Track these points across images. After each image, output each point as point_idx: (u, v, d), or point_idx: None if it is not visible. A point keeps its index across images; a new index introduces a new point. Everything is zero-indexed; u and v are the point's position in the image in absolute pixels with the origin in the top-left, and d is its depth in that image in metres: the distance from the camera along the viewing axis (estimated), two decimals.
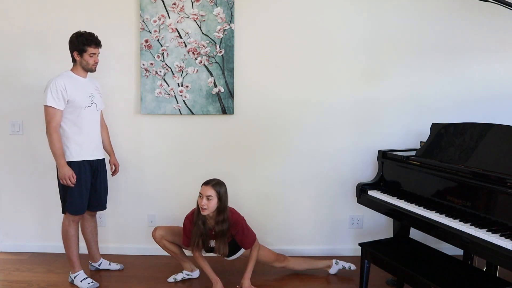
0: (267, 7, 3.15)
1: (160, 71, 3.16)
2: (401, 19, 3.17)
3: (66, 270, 3.03)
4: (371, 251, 2.46)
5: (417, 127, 3.21)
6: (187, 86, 3.18)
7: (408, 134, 3.24)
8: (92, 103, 2.73)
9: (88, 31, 2.67)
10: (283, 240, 3.36)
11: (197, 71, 3.17)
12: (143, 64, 3.15)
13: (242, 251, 2.77)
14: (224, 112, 3.19)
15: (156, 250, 3.24)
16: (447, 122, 2.72)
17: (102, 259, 3.08)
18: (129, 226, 3.35)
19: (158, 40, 3.13)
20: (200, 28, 3.13)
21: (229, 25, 3.12)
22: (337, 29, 3.17)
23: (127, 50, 3.17)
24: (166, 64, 3.15)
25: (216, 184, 2.57)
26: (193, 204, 3.36)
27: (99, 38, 2.70)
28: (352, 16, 3.16)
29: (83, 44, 2.62)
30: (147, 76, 3.16)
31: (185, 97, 3.18)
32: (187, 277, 2.94)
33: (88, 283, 2.76)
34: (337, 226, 3.29)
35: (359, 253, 2.61)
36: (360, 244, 2.57)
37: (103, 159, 2.89)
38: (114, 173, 3.05)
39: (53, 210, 3.33)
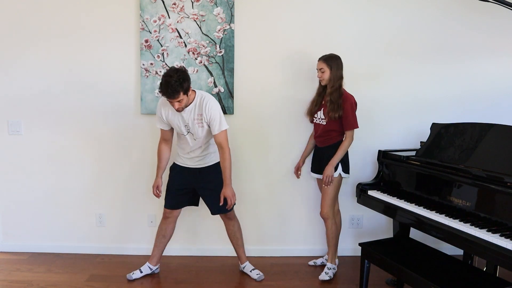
0: (267, 7, 3.15)
1: (160, 71, 3.16)
2: (401, 19, 3.17)
3: (66, 270, 3.03)
4: (371, 251, 2.46)
5: (417, 127, 3.21)
6: None
7: (408, 134, 3.24)
8: (188, 132, 2.72)
9: (171, 73, 2.47)
10: (283, 239, 3.36)
11: (197, 71, 3.16)
12: (143, 64, 3.15)
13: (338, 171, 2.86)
14: (224, 112, 3.18)
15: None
16: (447, 122, 2.72)
17: (247, 262, 3.03)
18: (129, 226, 3.35)
19: (158, 40, 3.13)
20: (200, 28, 3.13)
21: (229, 25, 3.12)
22: (337, 29, 3.17)
23: (127, 50, 3.17)
24: (166, 64, 3.15)
25: (327, 58, 2.84)
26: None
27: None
28: (351, 16, 3.16)
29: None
30: (147, 76, 3.16)
31: None
32: (326, 262, 3.05)
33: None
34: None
35: (359, 253, 2.61)
36: (360, 244, 2.57)
37: (205, 167, 2.83)
38: (227, 206, 2.76)
39: (53, 210, 3.34)
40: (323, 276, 2.92)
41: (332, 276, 2.93)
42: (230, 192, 2.72)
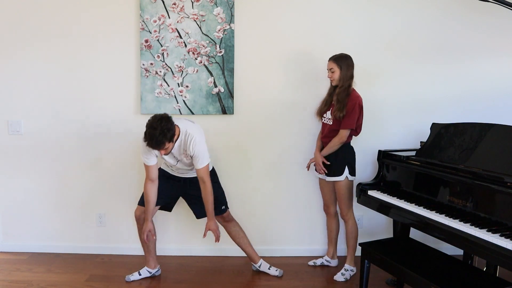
0: (267, 7, 3.15)
1: (160, 71, 3.16)
2: (401, 19, 3.17)
3: (66, 270, 3.03)
4: (371, 251, 2.46)
5: (417, 127, 3.21)
6: (187, 86, 3.18)
7: (408, 134, 3.24)
8: (178, 162, 2.71)
9: (154, 125, 2.42)
10: (282, 239, 3.36)
11: (197, 71, 3.17)
12: (143, 64, 3.15)
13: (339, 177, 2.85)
14: (224, 112, 3.19)
15: (160, 250, 3.24)
16: (447, 122, 2.72)
17: (262, 260, 3.02)
18: (129, 226, 3.35)
19: (158, 40, 3.13)
20: (200, 28, 3.13)
21: (229, 25, 3.12)
22: (337, 29, 3.17)
23: (127, 50, 3.17)
24: (166, 64, 3.15)
25: (337, 58, 2.82)
26: None
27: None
28: (351, 16, 3.16)
29: None
30: (147, 76, 3.16)
31: (185, 97, 3.18)
32: (326, 263, 3.12)
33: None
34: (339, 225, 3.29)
35: (359, 253, 2.61)
36: (360, 244, 2.57)
37: (194, 177, 2.80)
38: (215, 239, 2.76)
39: (53, 210, 3.34)
40: (339, 277, 2.91)
41: (348, 278, 2.92)
42: (214, 225, 2.72)
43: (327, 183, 2.98)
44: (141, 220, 2.82)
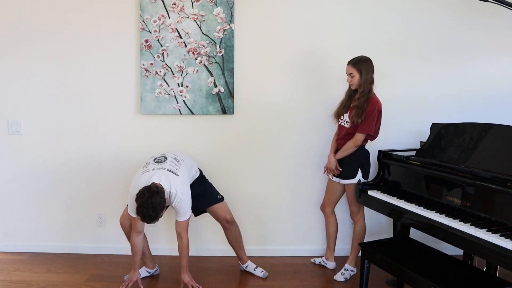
0: (267, 7, 3.15)
1: (160, 71, 3.16)
2: (401, 19, 3.17)
3: (66, 270, 3.03)
4: (371, 251, 2.46)
5: (417, 127, 3.21)
6: (187, 86, 3.18)
7: (408, 134, 3.24)
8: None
9: (146, 205, 2.33)
10: (282, 239, 3.36)
11: (197, 71, 3.16)
12: (143, 64, 3.15)
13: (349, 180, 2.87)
14: (224, 112, 3.19)
15: (156, 250, 3.24)
16: (447, 122, 2.72)
17: (249, 261, 3.04)
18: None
19: (158, 40, 3.13)
20: (200, 28, 3.13)
21: (229, 25, 3.12)
22: (336, 29, 3.17)
23: (127, 50, 3.17)
24: (166, 64, 3.15)
25: (356, 62, 2.74)
26: None
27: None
28: (351, 17, 3.16)
29: None
30: (147, 76, 3.16)
31: (185, 97, 3.18)
32: (323, 263, 3.15)
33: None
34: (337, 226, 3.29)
35: (359, 253, 2.61)
36: (360, 244, 2.57)
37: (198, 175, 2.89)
38: None
39: (53, 210, 3.34)
40: (338, 277, 2.92)
41: (348, 278, 2.92)
42: (188, 278, 2.72)
43: (337, 183, 2.97)
44: (126, 228, 2.77)
